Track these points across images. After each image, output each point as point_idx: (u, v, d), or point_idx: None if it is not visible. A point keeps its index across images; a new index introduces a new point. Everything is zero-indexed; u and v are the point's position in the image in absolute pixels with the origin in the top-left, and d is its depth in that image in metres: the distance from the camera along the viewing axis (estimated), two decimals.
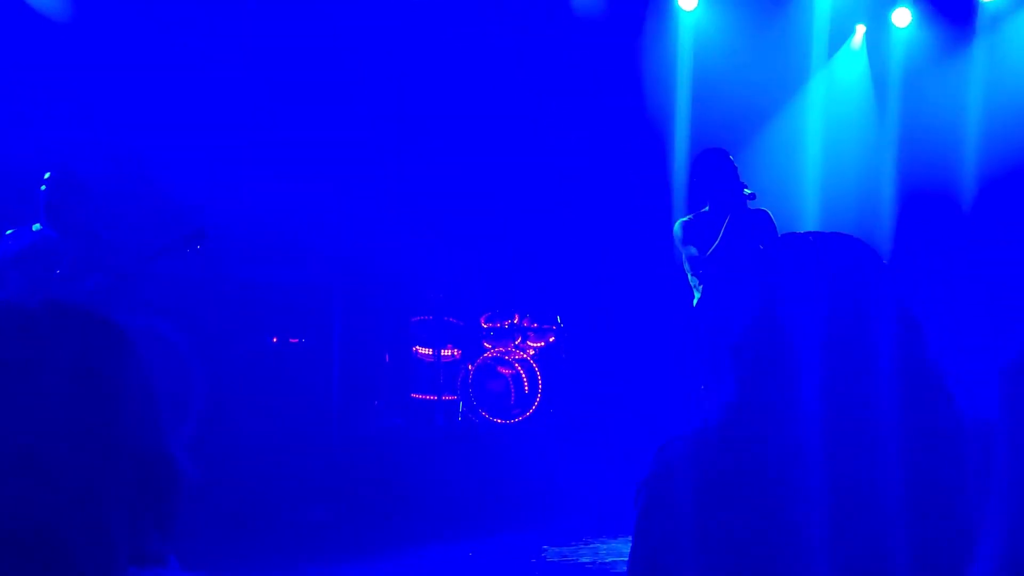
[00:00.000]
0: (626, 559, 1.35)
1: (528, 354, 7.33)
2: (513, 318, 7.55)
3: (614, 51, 7.80)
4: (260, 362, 6.64)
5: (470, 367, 7.26)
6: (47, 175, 5.15)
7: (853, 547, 1.22)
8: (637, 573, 1.33)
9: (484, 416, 7.11)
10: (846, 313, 1.28)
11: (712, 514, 1.24)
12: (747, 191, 4.85)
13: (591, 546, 5.24)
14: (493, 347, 7.45)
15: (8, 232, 5.25)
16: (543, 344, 7.57)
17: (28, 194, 5.24)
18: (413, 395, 7.37)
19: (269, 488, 5.97)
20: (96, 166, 5.79)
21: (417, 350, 7.51)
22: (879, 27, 7.97)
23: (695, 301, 5.14)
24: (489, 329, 7.58)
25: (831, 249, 1.34)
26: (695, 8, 7.85)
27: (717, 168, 4.96)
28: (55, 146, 6.28)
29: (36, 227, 5.23)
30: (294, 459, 6.36)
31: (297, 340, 6.79)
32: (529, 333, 7.56)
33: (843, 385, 1.26)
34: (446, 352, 7.46)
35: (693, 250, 5.01)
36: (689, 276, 5.19)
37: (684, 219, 5.18)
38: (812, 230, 1.42)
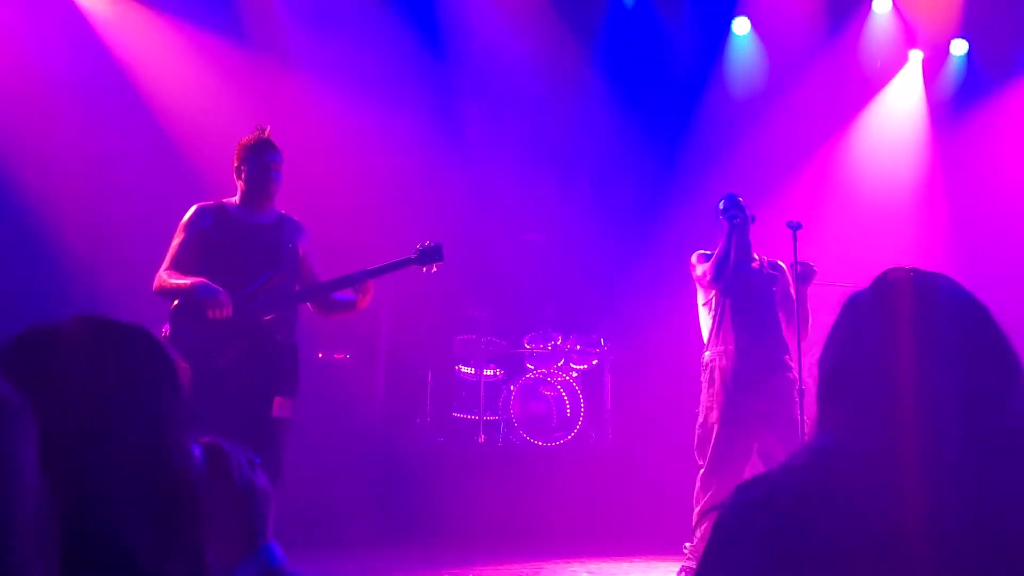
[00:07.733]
0: None
1: (571, 376, 7.28)
2: (556, 339, 7.51)
3: (666, 76, 7.78)
4: (306, 377, 6.65)
5: (512, 388, 7.23)
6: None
7: None
8: None
9: (525, 437, 7.06)
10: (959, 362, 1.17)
11: (788, 565, 1.15)
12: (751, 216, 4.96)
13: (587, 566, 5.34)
14: (535, 368, 7.42)
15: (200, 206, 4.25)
16: (586, 367, 7.52)
17: None
18: (455, 414, 7.36)
19: (311, 504, 5.98)
20: None
21: (460, 369, 7.50)
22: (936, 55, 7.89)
23: (704, 334, 5.16)
24: (532, 350, 7.55)
25: (939, 288, 1.24)
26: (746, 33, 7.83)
27: (730, 207, 5.02)
28: None
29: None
30: (336, 474, 6.37)
31: (343, 356, 6.80)
32: (572, 355, 7.52)
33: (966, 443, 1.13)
34: (488, 372, 7.44)
35: (700, 269, 5.15)
36: (700, 298, 5.26)
37: (701, 252, 5.29)
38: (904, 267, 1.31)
